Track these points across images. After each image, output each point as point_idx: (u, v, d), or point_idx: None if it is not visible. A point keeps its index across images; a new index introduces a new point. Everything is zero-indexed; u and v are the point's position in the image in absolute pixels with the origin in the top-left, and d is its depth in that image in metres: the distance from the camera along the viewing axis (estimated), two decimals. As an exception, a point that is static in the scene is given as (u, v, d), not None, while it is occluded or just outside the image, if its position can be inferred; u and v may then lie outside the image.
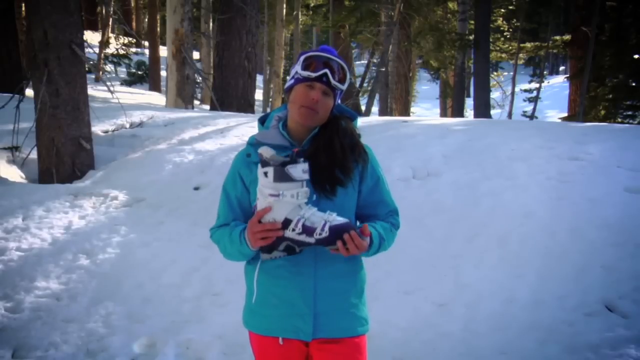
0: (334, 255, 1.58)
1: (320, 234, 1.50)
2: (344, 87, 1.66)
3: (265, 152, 1.51)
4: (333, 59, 1.63)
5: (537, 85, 16.91)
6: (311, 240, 1.51)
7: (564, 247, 3.55)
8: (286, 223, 1.51)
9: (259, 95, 16.93)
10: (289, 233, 1.52)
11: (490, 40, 13.69)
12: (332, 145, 1.64)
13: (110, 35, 18.95)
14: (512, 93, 16.18)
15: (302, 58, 1.65)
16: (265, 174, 1.50)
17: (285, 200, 1.50)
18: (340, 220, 1.52)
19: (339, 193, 1.63)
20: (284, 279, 1.63)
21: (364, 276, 1.75)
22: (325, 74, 1.60)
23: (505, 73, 22.91)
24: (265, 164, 1.51)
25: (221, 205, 1.74)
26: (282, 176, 1.48)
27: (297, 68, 1.64)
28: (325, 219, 1.51)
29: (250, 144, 1.71)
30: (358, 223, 1.73)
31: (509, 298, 3.25)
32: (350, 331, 1.67)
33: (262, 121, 1.78)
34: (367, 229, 1.55)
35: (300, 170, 1.49)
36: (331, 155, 1.63)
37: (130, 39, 20.56)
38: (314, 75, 1.60)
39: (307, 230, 1.50)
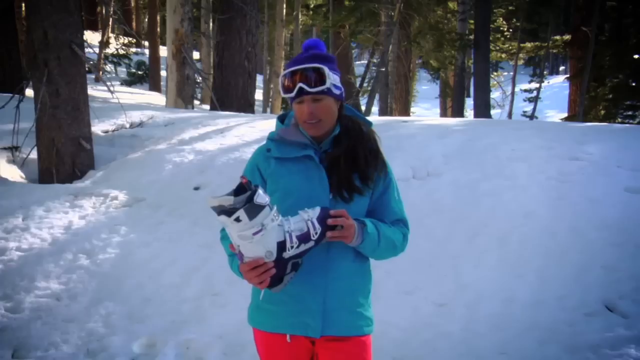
0: (345, 254, 1.63)
1: (315, 234, 1.50)
2: (326, 86, 1.59)
3: (217, 202, 1.41)
4: (303, 67, 1.59)
5: (537, 85, 16.89)
6: (311, 244, 1.52)
7: (564, 247, 3.55)
8: (281, 245, 1.49)
9: (259, 95, 16.92)
10: (289, 253, 1.50)
11: (490, 40, 13.67)
12: (355, 154, 1.65)
13: (110, 35, 18.93)
14: (512, 93, 16.16)
15: (279, 79, 1.66)
16: (237, 219, 1.41)
17: (268, 228, 1.45)
18: (315, 211, 1.52)
19: (355, 198, 1.64)
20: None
21: (371, 278, 1.76)
22: (300, 89, 1.58)
23: (505, 73, 22.88)
24: (228, 212, 1.41)
25: None
26: (255, 210, 1.42)
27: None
28: (305, 219, 1.51)
29: (271, 139, 1.72)
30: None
31: (509, 298, 3.25)
32: (357, 330, 1.68)
33: (282, 119, 1.78)
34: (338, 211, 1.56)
35: (262, 194, 1.43)
36: (354, 164, 1.64)
37: (130, 39, 20.54)
38: (292, 95, 1.60)
39: (303, 238, 1.50)
